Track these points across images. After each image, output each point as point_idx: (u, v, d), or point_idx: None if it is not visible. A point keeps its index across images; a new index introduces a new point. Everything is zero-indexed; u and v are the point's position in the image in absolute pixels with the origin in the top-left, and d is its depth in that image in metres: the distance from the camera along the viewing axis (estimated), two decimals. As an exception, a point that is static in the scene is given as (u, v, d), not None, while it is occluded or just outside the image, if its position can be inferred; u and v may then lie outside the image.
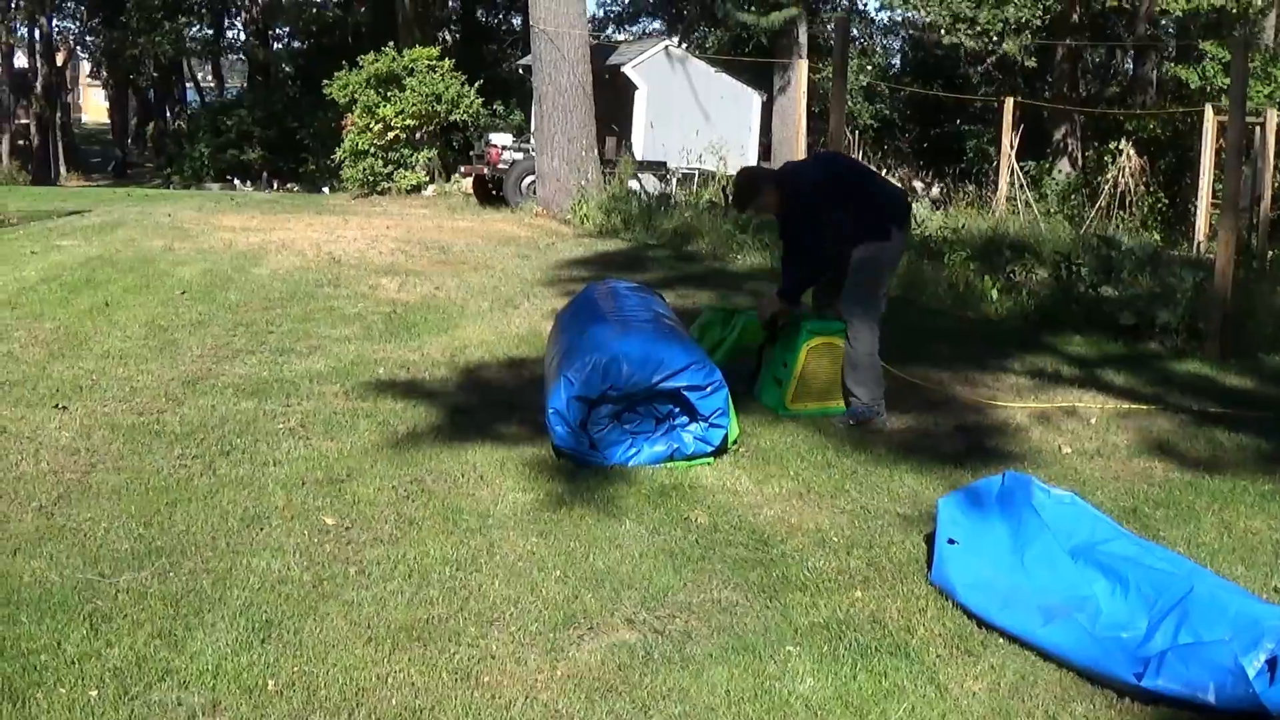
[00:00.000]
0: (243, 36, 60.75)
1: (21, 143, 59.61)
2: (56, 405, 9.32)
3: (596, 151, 24.29)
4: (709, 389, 8.23)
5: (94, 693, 5.12)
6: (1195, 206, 25.92)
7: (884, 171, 29.11)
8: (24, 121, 62.11)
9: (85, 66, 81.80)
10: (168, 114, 66.75)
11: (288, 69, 57.35)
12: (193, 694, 5.15)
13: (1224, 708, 5.22)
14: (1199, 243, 24.18)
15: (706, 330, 10.34)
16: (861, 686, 5.41)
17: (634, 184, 24.58)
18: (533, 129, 26.54)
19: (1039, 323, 14.21)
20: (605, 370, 8.12)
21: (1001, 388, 11.00)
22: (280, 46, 59.32)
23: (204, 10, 57.69)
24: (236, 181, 43.40)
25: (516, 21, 62.55)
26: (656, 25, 53.48)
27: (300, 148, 44.66)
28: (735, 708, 5.19)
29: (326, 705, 5.12)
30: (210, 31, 59.54)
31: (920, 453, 8.93)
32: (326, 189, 36.66)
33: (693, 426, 8.34)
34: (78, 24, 65.67)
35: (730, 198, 10.28)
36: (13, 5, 59.60)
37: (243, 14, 58.54)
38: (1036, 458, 8.93)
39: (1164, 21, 37.31)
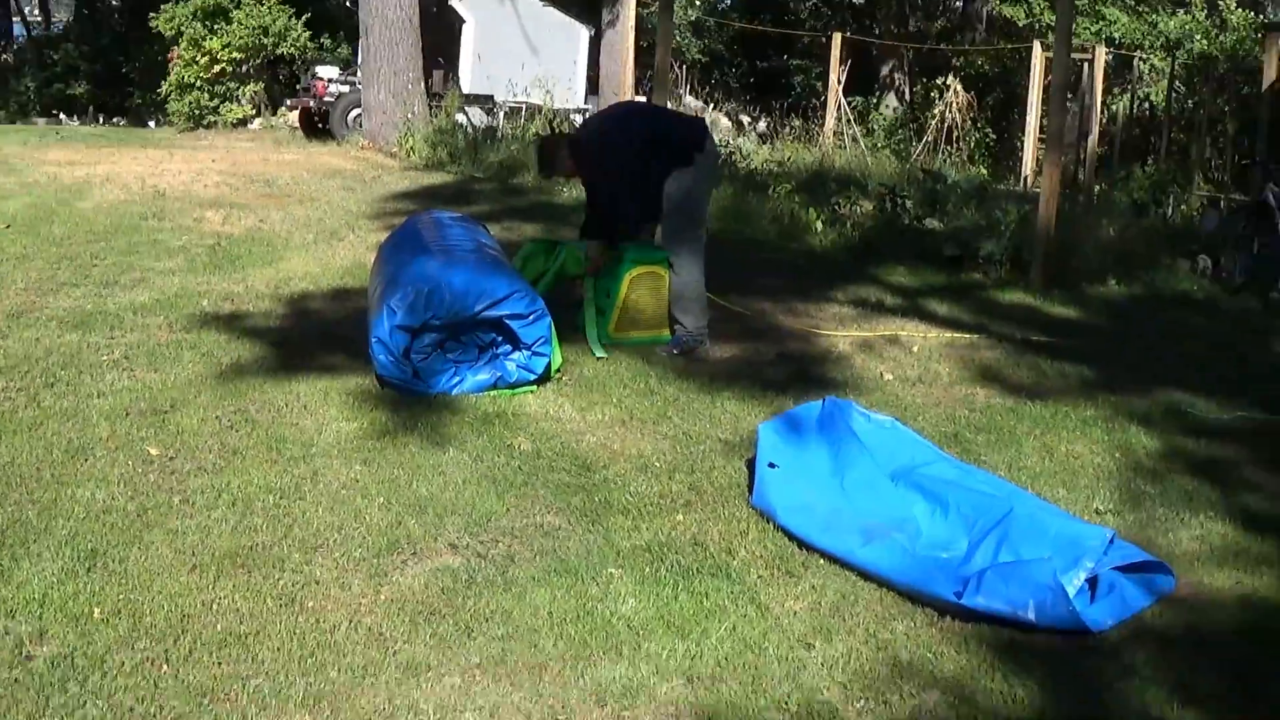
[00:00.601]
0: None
1: None
2: (-125, 341, 9.17)
3: (423, 85, 24.08)
4: (531, 318, 8.28)
5: (-77, 630, 5.07)
6: (1023, 142, 26.27)
7: (711, 106, 29.19)
8: None
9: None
10: (-2, 48, 65.15)
11: (115, 2, 56.36)
12: (19, 623, 5.17)
13: (1044, 625, 5.37)
14: (1025, 177, 24.54)
15: (529, 261, 10.34)
16: (683, 606, 5.51)
17: (461, 117, 24.45)
18: (359, 62, 26.39)
19: (863, 254, 14.33)
20: (428, 299, 8.13)
21: (825, 317, 11.11)
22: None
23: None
24: (63, 116, 42.53)
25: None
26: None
27: (127, 82, 43.95)
28: (558, 629, 5.26)
29: (152, 631, 5.13)
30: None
31: (743, 380, 9.02)
32: (153, 123, 36.09)
33: (516, 355, 8.38)
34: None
35: (538, 165, 10.48)
36: None
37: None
38: (858, 384, 9.05)
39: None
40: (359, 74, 25.61)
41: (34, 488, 6.57)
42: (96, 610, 5.28)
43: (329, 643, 5.10)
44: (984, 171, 25.00)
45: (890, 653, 5.26)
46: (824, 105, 28.42)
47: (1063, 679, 5.13)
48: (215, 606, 5.36)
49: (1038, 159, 24.51)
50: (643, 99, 25.34)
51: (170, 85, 30.63)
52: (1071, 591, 5.34)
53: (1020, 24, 31.63)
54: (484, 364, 8.40)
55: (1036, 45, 25.72)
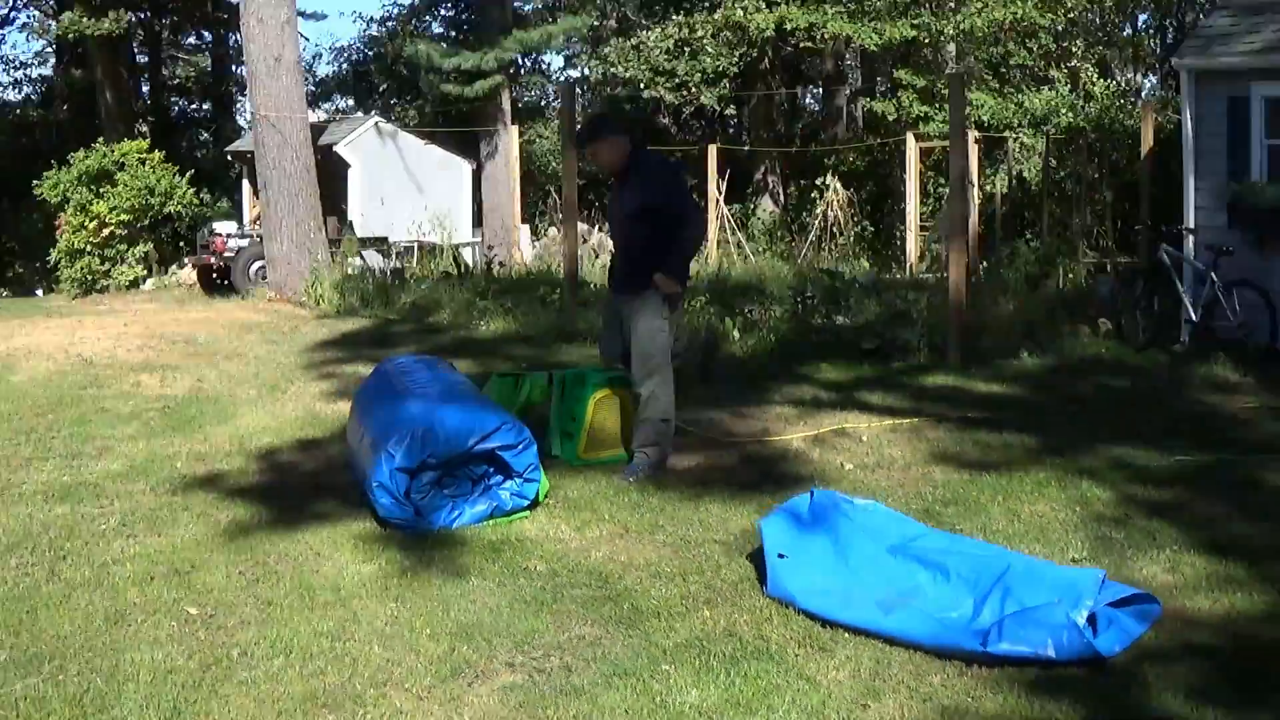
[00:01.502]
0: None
1: None
2: None
3: (324, 232, 24.55)
4: (520, 446, 8.76)
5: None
6: (901, 231, 26.97)
7: (595, 228, 29.66)
8: None
9: None
10: None
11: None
12: None
13: (1063, 659, 6.09)
14: (910, 265, 25.20)
15: (499, 394, 10.79)
16: (741, 689, 6.04)
17: (356, 261, 24.79)
18: (259, 215, 26.67)
19: (784, 356, 14.85)
20: (424, 439, 8.58)
21: (770, 419, 11.67)
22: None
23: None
24: None
25: (207, 107, 61.89)
26: (347, 103, 53.27)
27: (6, 252, 43.71)
28: (639, 722, 5.74)
29: None
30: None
31: (717, 485, 9.56)
32: (39, 291, 36.02)
33: (508, 484, 8.84)
34: None
35: (580, 128, 10.47)
36: None
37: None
38: (824, 476, 9.64)
39: (847, 58, 38.55)
40: (259, 227, 25.89)
41: (89, 656, 6.70)
42: (207, 761, 5.51)
43: (439, 762, 5.45)
44: (866, 264, 25.62)
45: (935, 703, 5.89)
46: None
47: (1090, 699, 5.87)
48: (317, 744, 5.66)
49: (920, 247, 25.26)
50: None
51: (60, 252, 30.71)
52: (1082, 625, 6.10)
53: (890, 118, 32.41)
54: (479, 495, 8.83)
55: (910, 137, 26.48)
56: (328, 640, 6.87)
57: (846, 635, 6.61)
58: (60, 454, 11.34)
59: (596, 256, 26.20)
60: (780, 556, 7.17)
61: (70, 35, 36.93)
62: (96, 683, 6.39)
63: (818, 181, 30.72)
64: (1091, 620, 6.24)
